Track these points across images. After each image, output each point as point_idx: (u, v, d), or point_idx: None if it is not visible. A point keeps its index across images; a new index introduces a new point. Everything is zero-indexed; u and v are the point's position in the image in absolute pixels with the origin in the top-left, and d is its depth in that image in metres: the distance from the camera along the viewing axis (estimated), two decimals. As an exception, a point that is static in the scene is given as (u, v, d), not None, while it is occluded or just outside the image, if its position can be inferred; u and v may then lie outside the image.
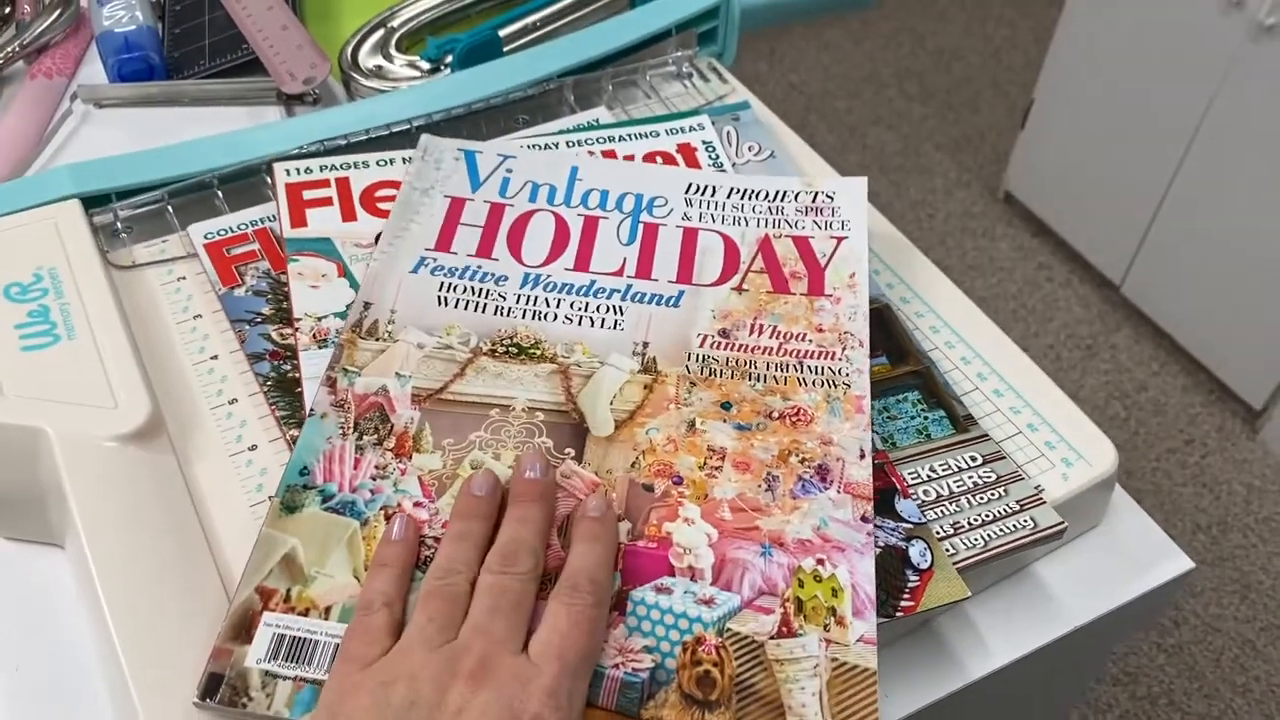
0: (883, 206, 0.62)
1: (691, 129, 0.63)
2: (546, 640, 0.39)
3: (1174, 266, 1.62)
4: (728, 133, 0.64)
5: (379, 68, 0.72)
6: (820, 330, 0.51)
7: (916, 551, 0.44)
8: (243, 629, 0.41)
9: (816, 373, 0.50)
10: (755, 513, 0.44)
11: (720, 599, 0.41)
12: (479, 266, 0.54)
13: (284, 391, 0.51)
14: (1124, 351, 1.71)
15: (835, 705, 0.39)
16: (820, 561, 0.43)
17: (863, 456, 0.46)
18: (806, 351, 0.50)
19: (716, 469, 0.46)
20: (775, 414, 0.48)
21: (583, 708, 0.39)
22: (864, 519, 0.44)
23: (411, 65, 0.72)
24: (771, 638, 0.41)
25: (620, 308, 0.52)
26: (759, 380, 0.49)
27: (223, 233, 0.58)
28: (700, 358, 0.50)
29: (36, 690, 0.44)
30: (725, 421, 0.48)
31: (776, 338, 0.51)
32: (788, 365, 0.50)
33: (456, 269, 0.53)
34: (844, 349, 0.51)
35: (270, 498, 0.46)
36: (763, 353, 0.50)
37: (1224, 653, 1.36)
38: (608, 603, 0.41)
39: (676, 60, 0.71)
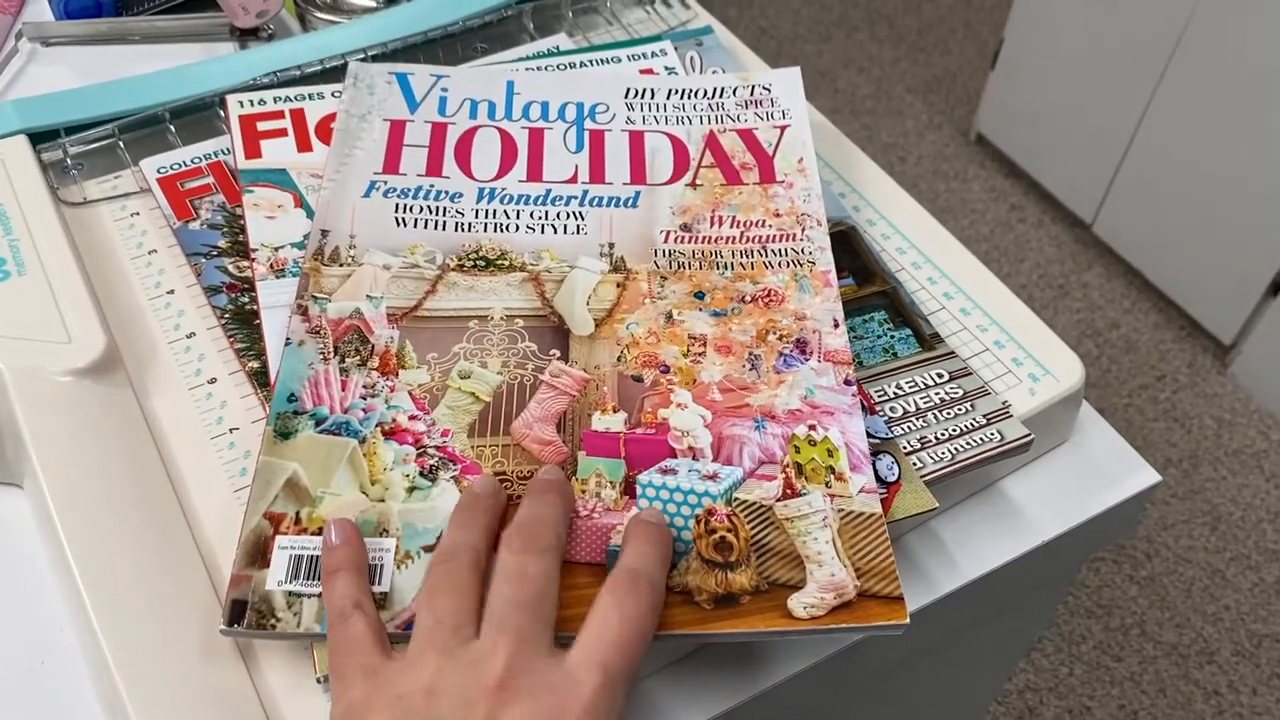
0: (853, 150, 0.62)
1: (654, 54, 0.62)
2: (592, 643, 0.35)
3: (1144, 205, 1.62)
4: (691, 58, 0.63)
5: (333, 0, 0.70)
6: (778, 215, 0.53)
7: (884, 465, 0.44)
8: (258, 554, 0.40)
9: (781, 255, 0.51)
10: (743, 391, 0.46)
11: (724, 473, 0.43)
12: (431, 185, 0.53)
13: (242, 324, 0.50)
14: (1096, 290, 1.71)
15: (850, 548, 0.41)
16: (812, 427, 0.44)
17: (837, 326, 0.48)
18: (768, 236, 0.52)
19: (700, 355, 0.47)
20: (748, 298, 0.49)
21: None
22: (847, 382, 0.46)
23: (367, -3, 0.70)
24: (778, 500, 0.42)
25: (580, 213, 0.52)
26: (727, 268, 0.50)
27: (176, 167, 0.56)
28: (666, 253, 0.51)
29: (-2, 627, 0.43)
30: (701, 310, 0.49)
31: (737, 226, 0.52)
32: (752, 251, 0.51)
33: (409, 190, 0.53)
34: (803, 230, 0.52)
35: (262, 425, 0.45)
36: (726, 242, 0.51)
37: (1195, 583, 1.38)
38: (660, 607, 0.38)
39: (638, -13, 0.70)
